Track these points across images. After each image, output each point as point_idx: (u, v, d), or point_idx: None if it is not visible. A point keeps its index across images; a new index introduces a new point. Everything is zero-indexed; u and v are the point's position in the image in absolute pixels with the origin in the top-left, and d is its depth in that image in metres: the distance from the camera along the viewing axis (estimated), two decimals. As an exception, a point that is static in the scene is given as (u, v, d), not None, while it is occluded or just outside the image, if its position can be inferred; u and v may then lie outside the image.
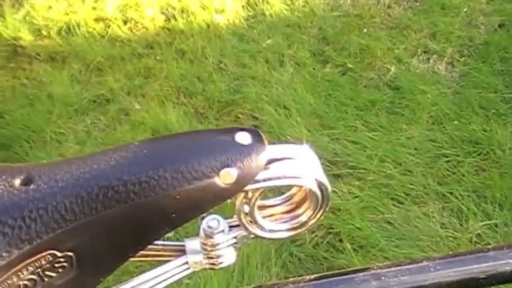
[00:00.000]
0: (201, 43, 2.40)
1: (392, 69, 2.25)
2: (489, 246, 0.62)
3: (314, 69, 2.27)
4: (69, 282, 0.51)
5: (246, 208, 0.54)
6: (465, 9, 2.46)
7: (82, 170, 0.50)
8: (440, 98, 2.14)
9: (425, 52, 2.33)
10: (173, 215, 0.50)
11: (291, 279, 0.62)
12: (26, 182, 0.49)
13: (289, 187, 0.55)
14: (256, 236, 0.55)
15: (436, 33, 2.39)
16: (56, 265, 0.49)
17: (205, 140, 0.51)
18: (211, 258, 0.56)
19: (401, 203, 1.90)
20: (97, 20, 2.57)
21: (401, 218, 1.86)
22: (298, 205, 0.55)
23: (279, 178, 0.51)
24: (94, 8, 2.61)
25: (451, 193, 1.90)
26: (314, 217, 0.54)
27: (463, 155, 1.97)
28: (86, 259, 0.50)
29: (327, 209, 0.54)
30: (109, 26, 2.54)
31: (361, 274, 0.61)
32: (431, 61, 2.30)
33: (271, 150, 0.51)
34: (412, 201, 1.91)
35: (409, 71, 2.24)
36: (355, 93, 2.17)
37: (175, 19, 2.52)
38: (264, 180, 0.51)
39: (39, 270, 0.49)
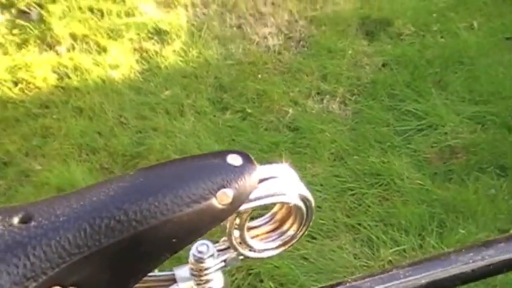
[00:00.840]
0: (98, 99, 2.39)
1: (290, 111, 2.33)
2: (449, 250, 0.67)
3: (215, 116, 2.31)
4: None
5: (236, 231, 0.56)
6: (350, 52, 2.60)
7: (82, 203, 0.50)
8: (338, 135, 2.24)
9: (318, 93, 2.43)
10: (173, 240, 0.52)
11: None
12: (25, 220, 0.49)
13: (271, 206, 0.57)
14: (246, 257, 0.57)
15: (327, 75, 2.51)
16: None
17: (199, 163, 0.53)
18: (202, 283, 0.58)
19: (315, 238, 1.96)
20: (-14, 82, 2.51)
21: (316, 253, 1.91)
22: (283, 222, 0.58)
23: (269, 196, 0.54)
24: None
25: (359, 224, 1.97)
26: (301, 230, 0.57)
27: (366, 187, 2.06)
28: None
29: (311, 222, 0.57)
30: (-1, 88, 2.49)
31: (337, 288, 0.64)
32: (325, 101, 2.40)
33: (259, 170, 0.54)
34: (324, 235, 1.97)
35: (306, 112, 2.33)
36: (258, 136, 2.22)
37: (69, 77, 2.50)
38: (256, 200, 0.53)
39: None
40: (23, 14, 2.81)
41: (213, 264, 0.57)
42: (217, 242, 0.58)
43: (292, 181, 0.55)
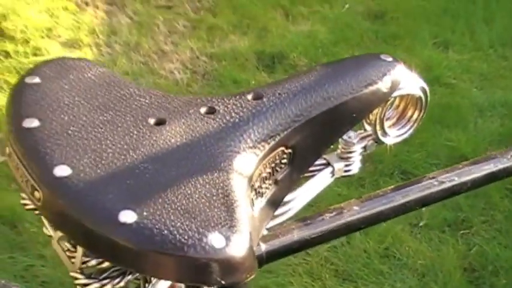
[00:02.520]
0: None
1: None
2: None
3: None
4: (284, 177, 0.67)
5: (378, 121, 0.74)
6: (253, 82, 2.84)
7: (296, 85, 0.67)
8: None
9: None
10: (353, 115, 0.70)
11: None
12: (257, 98, 0.66)
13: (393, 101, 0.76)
14: (381, 143, 0.76)
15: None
16: (282, 161, 0.66)
17: (367, 59, 0.72)
18: (348, 165, 0.76)
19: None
20: None
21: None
22: (405, 111, 0.77)
23: (406, 88, 0.73)
24: None
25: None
26: (423, 115, 0.76)
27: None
28: (297, 156, 0.67)
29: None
30: None
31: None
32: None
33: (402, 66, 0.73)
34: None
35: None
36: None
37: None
38: (399, 89, 0.73)
39: (273, 164, 0.65)
40: None
41: (358, 148, 0.75)
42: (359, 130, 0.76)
43: (413, 76, 0.74)
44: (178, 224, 0.51)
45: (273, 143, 0.63)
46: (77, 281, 0.57)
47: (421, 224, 2.24)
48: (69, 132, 0.58)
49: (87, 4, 3.11)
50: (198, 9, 3.23)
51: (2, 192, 2.21)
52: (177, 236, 0.51)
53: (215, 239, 0.52)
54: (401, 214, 0.81)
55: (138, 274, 0.58)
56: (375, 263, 2.07)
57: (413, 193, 0.81)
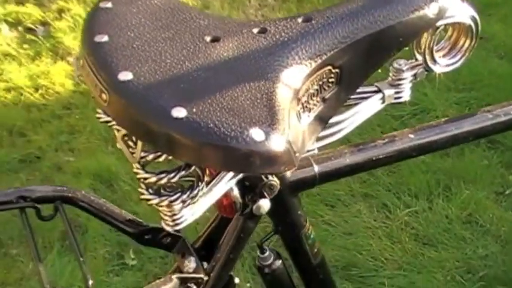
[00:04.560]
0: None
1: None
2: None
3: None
4: (332, 96, 0.72)
5: (427, 49, 0.77)
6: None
7: (343, 10, 0.71)
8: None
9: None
10: (400, 39, 0.73)
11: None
12: (306, 20, 0.70)
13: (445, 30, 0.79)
14: (432, 71, 0.79)
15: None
16: (329, 79, 0.70)
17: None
18: (399, 92, 0.79)
19: (334, 207, 2.17)
20: (7, 89, 2.66)
21: (337, 218, 2.13)
22: (457, 41, 0.80)
23: (455, 16, 0.76)
24: (2, 80, 2.70)
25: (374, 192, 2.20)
26: (473, 44, 0.79)
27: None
28: (345, 76, 0.71)
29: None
30: (21, 94, 2.64)
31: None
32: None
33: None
34: (342, 204, 2.19)
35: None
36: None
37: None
38: (447, 17, 0.75)
39: (320, 82, 0.70)
40: (29, 30, 2.98)
41: (408, 76, 0.78)
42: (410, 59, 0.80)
43: (463, 5, 0.76)
44: (223, 119, 0.58)
45: (319, 61, 0.68)
46: (138, 175, 0.64)
47: (507, 192, 2.22)
48: (134, 46, 0.65)
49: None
50: (289, -18, 3.28)
51: (100, 154, 2.36)
52: (222, 129, 0.57)
53: (255, 133, 0.57)
54: (454, 145, 0.84)
55: (191, 171, 0.65)
56: (457, 228, 2.07)
57: (467, 125, 0.84)
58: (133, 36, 0.67)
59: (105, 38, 0.66)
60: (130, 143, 0.65)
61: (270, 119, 0.59)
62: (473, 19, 0.77)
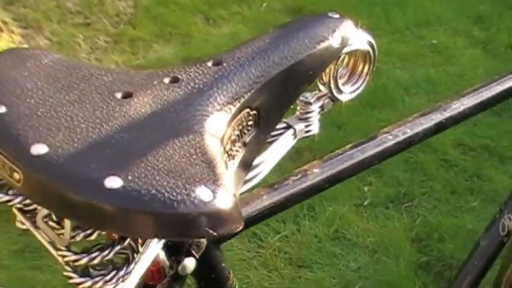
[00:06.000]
0: None
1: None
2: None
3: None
4: (252, 139, 0.69)
5: (331, 79, 0.77)
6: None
7: (252, 48, 0.69)
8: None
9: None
10: (310, 72, 0.72)
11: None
12: (217, 63, 0.67)
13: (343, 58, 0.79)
14: (336, 101, 0.78)
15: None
16: (248, 123, 0.68)
17: (316, 17, 0.74)
18: (308, 125, 0.78)
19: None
20: None
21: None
22: (356, 66, 0.80)
23: (354, 44, 0.76)
24: None
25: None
26: (372, 68, 0.79)
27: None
28: (263, 117, 0.70)
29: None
30: None
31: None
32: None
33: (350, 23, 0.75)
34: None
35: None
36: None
37: None
38: (349, 45, 0.75)
39: (240, 127, 0.67)
40: None
41: (316, 108, 0.77)
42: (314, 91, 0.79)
43: (359, 31, 0.77)
44: (165, 183, 0.52)
45: (238, 105, 0.65)
46: (65, 259, 0.57)
47: (365, 203, 2.30)
48: (39, 113, 0.58)
49: (1, 30, 3.05)
50: (117, 23, 3.21)
51: None
52: (166, 194, 0.52)
53: (203, 193, 0.53)
54: (361, 171, 0.83)
55: (125, 244, 0.58)
56: (327, 246, 2.10)
57: (371, 148, 0.84)
58: (34, 103, 0.59)
59: (3, 109, 0.58)
60: (52, 224, 0.57)
61: (212, 175, 0.55)
62: (371, 44, 0.77)
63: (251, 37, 0.70)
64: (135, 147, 0.55)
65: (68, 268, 0.58)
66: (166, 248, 0.67)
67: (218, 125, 0.62)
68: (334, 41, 0.72)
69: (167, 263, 0.68)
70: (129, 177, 0.52)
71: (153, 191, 0.52)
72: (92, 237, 0.56)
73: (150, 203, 0.51)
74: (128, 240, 0.58)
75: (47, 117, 0.58)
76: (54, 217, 0.57)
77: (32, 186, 0.54)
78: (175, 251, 0.69)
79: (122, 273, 0.57)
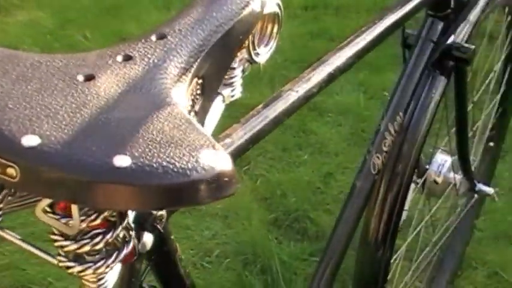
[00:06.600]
0: None
1: None
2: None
3: None
4: (200, 107, 0.72)
5: (249, 43, 0.80)
6: None
7: (191, 19, 0.71)
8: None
9: None
10: (241, 37, 0.75)
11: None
12: (161, 37, 0.69)
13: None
14: (256, 63, 0.82)
15: None
16: (197, 92, 0.71)
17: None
18: (233, 90, 0.81)
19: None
20: None
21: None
22: (265, 29, 0.84)
23: (269, 7, 0.80)
24: None
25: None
26: (280, 28, 0.83)
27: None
28: (207, 85, 0.72)
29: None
30: None
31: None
32: None
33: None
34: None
35: None
36: None
37: None
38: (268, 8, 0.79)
39: (192, 97, 0.70)
40: None
41: (239, 72, 0.80)
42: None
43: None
44: (171, 153, 0.53)
45: (189, 75, 0.66)
46: (66, 248, 0.56)
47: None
48: (10, 106, 0.56)
49: None
50: None
51: None
52: (177, 163, 0.53)
53: (207, 157, 0.54)
54: (276, 127, 0.88)
55: (125, 224, 0.58)
56: (179, 220, 2.14)
57: (279, 107, 0.89)
58: (-2, 97, 0.57)
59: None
60: (53, 215, 0.56)
61: (207, 140, 0.56)
62: (279, 6, 0.81)
63: (182, 7, 0.71)
64: (126, 127, 0.55)
65: (61, 253, 0.57)
66: (135, 225, 0.67)
67: (182, 95, 0.63)
68: (256, 6, 0.75)
69: (136, 240, 0.68)
70: (136, 154, 0.53)
71: (164, 163, 0.52)
72: (97, 222, 0.55)
73: (165, 175, 0.52)
74: (126, 220, 0.58)
75: (22, 109, 0.55)
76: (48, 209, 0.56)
77: (32, 178, 0.52)
78: (138, 227, 0.69)
79: (113, 257, 0.58)
